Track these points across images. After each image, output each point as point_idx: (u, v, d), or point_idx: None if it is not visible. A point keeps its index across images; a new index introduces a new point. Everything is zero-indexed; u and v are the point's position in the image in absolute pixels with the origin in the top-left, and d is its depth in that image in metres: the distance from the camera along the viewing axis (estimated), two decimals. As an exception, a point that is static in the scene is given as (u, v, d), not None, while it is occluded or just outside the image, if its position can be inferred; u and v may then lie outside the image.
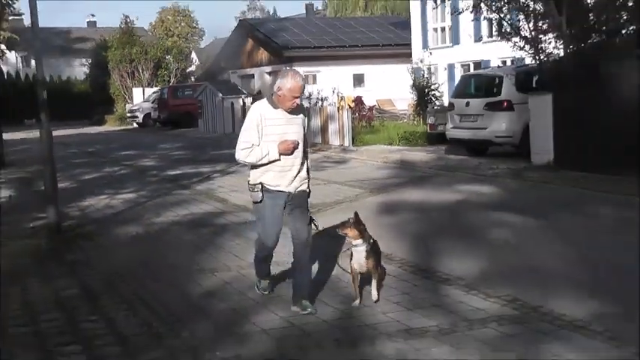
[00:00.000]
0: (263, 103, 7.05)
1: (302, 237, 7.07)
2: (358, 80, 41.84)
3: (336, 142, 25.91)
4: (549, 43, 19.19)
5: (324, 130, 27.08)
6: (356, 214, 7.18)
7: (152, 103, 48.67)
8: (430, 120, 25.05)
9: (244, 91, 40.84)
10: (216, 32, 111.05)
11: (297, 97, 6.80)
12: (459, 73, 31.96)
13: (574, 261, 9.03)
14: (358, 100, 31.66)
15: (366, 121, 30.35)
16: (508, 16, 20.21)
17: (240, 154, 6.86)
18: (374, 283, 7.18)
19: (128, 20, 59.17)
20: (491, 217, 12.05)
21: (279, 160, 6.84)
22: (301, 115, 7.08)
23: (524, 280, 8.11)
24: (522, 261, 9.11)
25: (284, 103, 6.81)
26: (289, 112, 6.88)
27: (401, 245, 9.89)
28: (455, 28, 34.80)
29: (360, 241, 7.03)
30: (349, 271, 7.26)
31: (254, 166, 6.97)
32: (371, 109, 32.67)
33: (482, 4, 20.58)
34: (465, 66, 33.79)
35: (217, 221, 12.34)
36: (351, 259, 7.15)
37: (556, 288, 7.73)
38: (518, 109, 18.99)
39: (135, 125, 49.86)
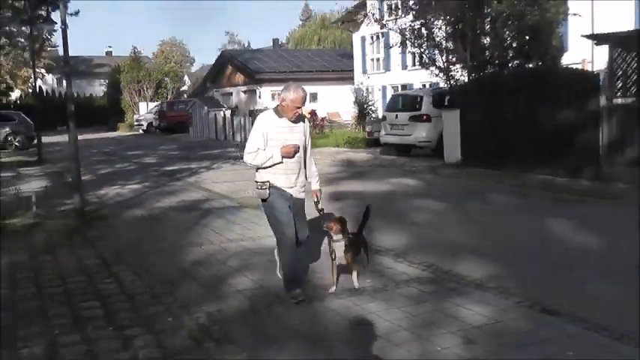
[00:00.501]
0: (269, 112, 6.43)
1: (302, 236, 6.45)
2: (313, 97, 41.61)
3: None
4: (457, 71, 19.42)
5: (286, 135, 26.91)
6: (342, 218, 6.61)
7: (154, 114, 48.23)
8: (368, 128, 25.10)
9: (224, 106, 40.79)
10: (204, 60, 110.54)
11: (299, 108, 6.21)
12: (390, 93, 32.05)
13: (476, 235, 9.11)
14: (313, 113, 31.66)
15: (319, 129, 30.31)
16: (427, 51, 20.31)
17: (248, 157, 6.23)
18: (354, 274, 6.50)
19: (136, 50, 58.61)
20: (414, 203, 12.09)
21: (282, 162, 6.17)
22: (302, 124, 6.40)
23: (438, 250, 8.16)
24: (437, 236, 9.16)
25: (287, 113, 6.23)
26: (292, 121, 6.26)
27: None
28: (387, 59, 34.88)
29: (340, 236, 6.37)
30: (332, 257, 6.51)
31: (260, 168, 6.26)
32: (323, 119, 32.69)
33: (407, 42, 20.67)
34: (395, 87, 33.85)
35: (203, 206, 12.23)
36: (331, 252, 6.46)
37: (462, 256, 7.79)
38: (434, 121, 19.13)
39: (140, 131, 49.29)
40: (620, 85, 13.54)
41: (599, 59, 21.30)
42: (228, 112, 35.75)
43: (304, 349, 4.98)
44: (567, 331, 5.20)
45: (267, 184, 6.20)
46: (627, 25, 21.34)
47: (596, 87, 13.64)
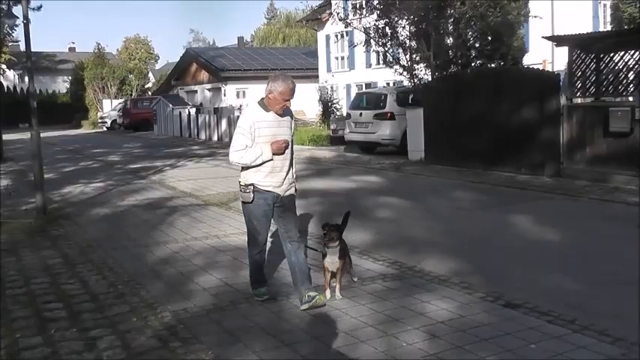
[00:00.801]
0: (254, 106, 5.87)
1: (293, 236, 6.01)
2: (278, 96, 41.69)
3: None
4: (421, 70, 19.54)
5: (252, 133, 26.85)
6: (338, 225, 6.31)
7: (118, 111, 47.78)
8: (333, 126, 25.13)
9: (189, 103, 40.60)
10: (168, 57, 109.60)
11: (287, 100, 5.74)
12: (354, 91, 32.12)
13: (440, 232, 9.17)
14: (278, 111, 31.53)
15: (284, 126, 30.22)
16: (391, 50, 20.39)
17: (235, 156, 5.70)
18: (338, 285, 6.14)
19: (100, 47, 58.04)
20: (378, 200, 12.12)
21: (272, 160, 5.71)
22: (288, 117, 5.92)
23: (403, 246, 8.18)
24: (402, 232, 9.19)
25: (275, 106, 5.71)
26: (279, 115, 5.77)
27: (310, 222, 9.89)
28: (351, 57, 34.94)
29: (336, 243, 6.05)
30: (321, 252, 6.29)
31: (245, 167, 5.78)
32: (288, 117, 32.57)
33: (371, 41, 20.74)
34: (359, 86, 33.94)
35: (168, 204, 12.12)
36: (324, 257, 6.14)
37: (426, 252, 7.82)
38: (398, 119, 19.22)
39: (104, 129, 48.82)
40: (579, 85, 13.73)
41: (559, 60, 21.64)
42: (193, 110, 35.54)
43: (270, 346, 4.96)
44: (530, 324, 5.25)
45: (251, 188, 5.78)
46: (586, 26, 21.73)
47: (556, 87, 13.85)
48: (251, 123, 5.70)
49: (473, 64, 18.82)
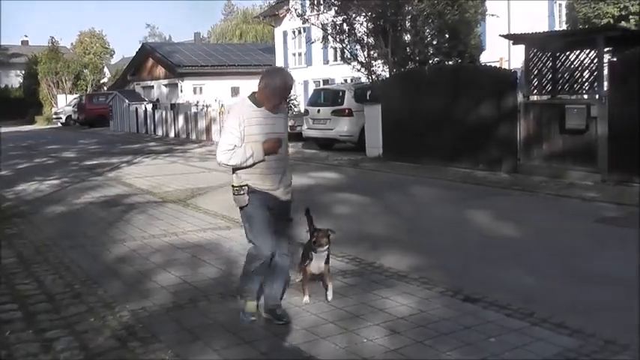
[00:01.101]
0: (245, 102, 5.27)
1: (283, 248, 5.44)
2: (235, 92, 41.46)
3: (217, 139, 25.53)
4: (379, 67, 19.63)
5: (208, 129, 26.74)
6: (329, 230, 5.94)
7: (73, 107, 46.99)
8: (290, 122, 25.06)
9: (146, 99, 40.24)
10: (124, 52, 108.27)
11: (283, 98, 5.30)
12: (311, 88, 32.13)
13: (398, 228, 9.22)
14: (235, 107, 31.40)
15: (242, 123, 30.10)
16: (348, 46, 20.45)
17: (223, 157, 5.13)
18: (330, 286, 5.92)
19: (54, 40, 56.98)
20: (336, 196, 12.14)
21: (264, 160, 5.15)
22: (283, 114, 5.40)
23: (362, 243, 8.19)
24: (360, 229, 9.21)
25: (268, 102, 5.16)
26: (272, 112, 5.21)
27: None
28: (309, 54, 34.93)
29: (324, 248, 5.74)
30: (301, 274, 6.05)
31: (237, 169, 5.21)
32: (245, 114, 32.44)
33: (329, 37, 20.76)
34: (317, 82, 33.95)
35: (125, 201, 11.97)
36: (310, 262, 5.79)
37: (385, 248, 7.85)
38: (356, 115, 19.29)
39: (59, 124, 47.95)
40: (536, 83, 13.93)
41: (515, 58, 21.94)
42: (149, 106, 35.18)
43: (230, 343, 4.92)
44: (489, 318, 5.31)
45: (245, 188, 5.18)
46: (542, 25, 22.05)
47: (513, 84, 14.05)
48: (240, 120, 5.12)
49: (430, 62, 18.99)
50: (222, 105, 27.82)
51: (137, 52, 49.04)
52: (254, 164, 5.15)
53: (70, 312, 5.75)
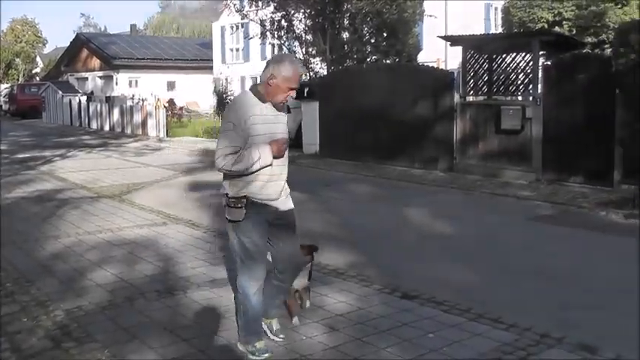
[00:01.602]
0: (247, 95, 4.50)
1: (282, 268, 4.74)
2: (171, 86, 41.08)
3: (153, 134, 25.26)
4: (317, 64, 19.70)
5: (144, 124, 26.33)
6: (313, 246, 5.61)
7: (4, 97, 45.75)
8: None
9: (80, 91, 39.40)
10: (58, 41, 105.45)
11: (293, 89, 4.43)
12: (249, 83, 31.99)
13: (335, 225, 9.26)
14: (171, 102, 31.08)
15: (177, 118, 29.81)
16: (287, 43, 20.44)
17: (224, 162, 4.31)
18: (307, 303, 5.47)
19: (-17, 27, 55.44)
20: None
21: (271, 165, 4.40)
22: (284, 111, 4.58)
23: (299, 240, 8.18)
24: (298, 226, 9.19)
25: (276, 96, 4.40)
26: (277, 108, 4.48)
27: (205, 215, 9.78)
28: (246, 49, 34.82)
29: (309, 264, 5.42)
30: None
31: (233, 176, 4.40)
32: (181, 108, 32.14)
33: (267, 33, 20.73)
34: (254, 78, 33.82)
35: (59, 196, 11.68)
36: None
37: (323, 245, 7.80)
38: (293, 112, 19.17)
39: (-12, 116, 46.71)
40: (472, 83, 14.19)
41: (452, 59, 22.32)
42: (83, 98, 34.44)
43: (168, 342, 4.85)
44: (426, 315, 5.38)
45: (244, 201, 4.38)
46: (478, 27, 22.50)
47: (450, 84, 14.28)
48: (245, 117, 4.33)
49: (368, 60, 19.15)
50: (158, 99, 27.45)
51: (71, 43, 48.02)
52: (260, 169, 4.37)
53: (1, 312, 5.57)
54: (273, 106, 4.45)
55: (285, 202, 4.65)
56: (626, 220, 9.57)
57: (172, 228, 8.79)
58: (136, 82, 40.22)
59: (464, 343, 4.80)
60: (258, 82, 4.56)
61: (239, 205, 4.37)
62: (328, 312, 5.48)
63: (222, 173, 4.47)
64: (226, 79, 34.70)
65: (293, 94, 4.46)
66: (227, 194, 4.44)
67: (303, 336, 4.97)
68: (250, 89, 4.53)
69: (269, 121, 4.42)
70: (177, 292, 6.05)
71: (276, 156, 4.39)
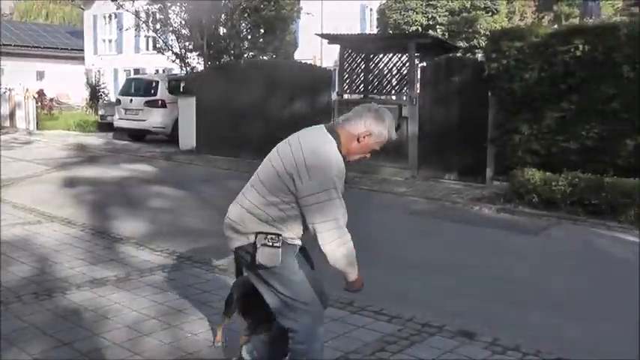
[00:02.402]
0: (333, 146, 3.56)
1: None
2: (40, 75, 39.33)
3: (22, 126, 24.13)
4: (194, 59, 19.50)
5: (12, 115, 25.09)
6: None
7: None
8: (101, 112, 24.22)
9: None
10: None
11: (371, 152, 3.73)
12: (122, 76, 31.24)
13: (215, 221, 9.10)
14: (41, 92, 29.75)
15: (47, 110, 28.59)
16: (163, 36, 20.10)
17: (348, 247, 3.59)
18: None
19: None
20: (151, 189, 11.89)
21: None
22: None
23: (180, 236, 8.13)
24: (177, 222, 9.14)
25: (356, 155, 3.68)
26: None
27: (81, 212, 9.47)
28: (120, 41, 33.86)
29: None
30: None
31: (270, 216, 3.57)
32: (51, 100, 30.85)
33: (142, 25, 20.30)
34: (127, 71, 33.00)
35: None
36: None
37: (204, 242, 7.84)
38: (170, 107, 18.98)
39: None
40: (349, 82, 14.48)
41: (327, 57, 22.67)
42: None
43: (49, 346, 4.65)
44: (329, 313, 5.46)
45: (280, 239, 3.56)
46: (354, 27, 22.96)
47: (328, 82, 14.51)
48: (341, 175, 3.57)
49: (246, 56, 19.14)
50: (27, 89, 26.21)
51: None
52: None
53: None
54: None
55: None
56: (497, 214, 10.20)
57: (47, 227, 8.45)
58: (2, 70, 38.26)
59: (348, 336, 4.93)
60: (340, 122, 3.70)
61: (277, 245, 3.53)
62: (213, 308, 5.47)
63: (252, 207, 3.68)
64: (99, 71, 33.66)
65: (368, 157, 3.75)
66: (262, 232, 3.56)
67: (189, 333, 4.95)
68: (335, 138, 3.60)
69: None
70: (55, 293, 5.82)
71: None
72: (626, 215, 9.34)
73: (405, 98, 13.55)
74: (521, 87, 11.10)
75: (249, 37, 19.74)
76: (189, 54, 19.55)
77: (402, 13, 24.19)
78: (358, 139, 3.60)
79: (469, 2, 24.53)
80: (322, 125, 3.76)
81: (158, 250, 7.39)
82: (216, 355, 4.60)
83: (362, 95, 14.70)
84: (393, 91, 14.44)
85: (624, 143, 10.26)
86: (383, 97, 14.45)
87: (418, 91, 13.27)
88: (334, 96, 14.29)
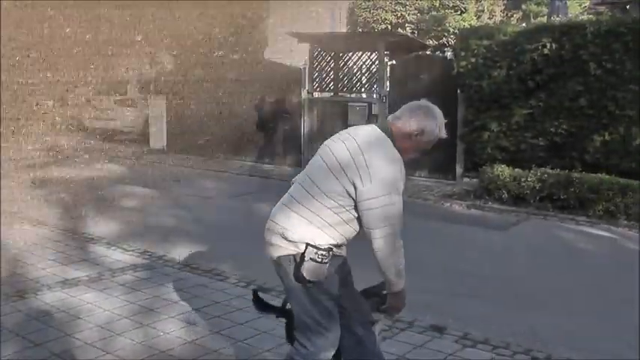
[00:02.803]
0: (393, 147, 3.37)
1: (366, 313, 3.71)
2: None
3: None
4: (163, 58, 19.34)
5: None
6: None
7: None
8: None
9: None
10: None
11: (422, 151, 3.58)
12: None
13: (187, 220, 9.25)
14: None
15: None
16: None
17: (400, 256, 3.48)
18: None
19: None
20: (121, 190, 11.81)
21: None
22: None
23: (151, 236, 8.12)
24: (148, 222, 9.11)
25: (408, 153, 3.45)
26: None
27: (51, 213, 9.41)
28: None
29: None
30: None
31: (324, 219, 3.29)
32: None
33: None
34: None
35: None
36: None
37: (175, 241, 7.85)
38: (140, 106, 18.87)
39: None
40: (319, 80, 14.52)
41: (297, 55, 22.65)
42: None
43: (21, 348, 4.65)
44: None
45: (330, 254, 3.26)
46: (324, 26, 22.99)
47: (298, 80, 14.53)
48: (403, 177, 3.34)
49: (215, 54, 19.04)
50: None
51: None
52: None
53: None
54: None
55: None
56: (468, 211, 10.34)
57: (17, 227, 8.39)
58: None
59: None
60: (390, 121, 3.56)
61: (326, 260, 3.24)
62: (184, 306, 5.51)
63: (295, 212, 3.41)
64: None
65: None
66: (312, 244, 3.23)
67: (161, 332, 4.97)
68: (388, 136, 3.42)
69: None
70: (27, 294, 5.79)
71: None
72: (594, 210, 9.53)
73: (374, 96, 13.62)
74: (489, 85, 11.22)
75: (218, 35, 19.66)
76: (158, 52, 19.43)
77: (372, 11, 24.28)
78: (412, 138, 3.45)
79: (438, 1, 24.69)
80: (373, 125, 3.56)
81: (130, 250, 7.39)
82: (189, 353, 4.63)
83: (332, 93, 14.73)
84: (363, 89, 14.49)
85: (591, 139, 10.44)
86: (353, 96, 14.50)
87: (388, 89, 13.35)
88: (304, 94, 14.31)
